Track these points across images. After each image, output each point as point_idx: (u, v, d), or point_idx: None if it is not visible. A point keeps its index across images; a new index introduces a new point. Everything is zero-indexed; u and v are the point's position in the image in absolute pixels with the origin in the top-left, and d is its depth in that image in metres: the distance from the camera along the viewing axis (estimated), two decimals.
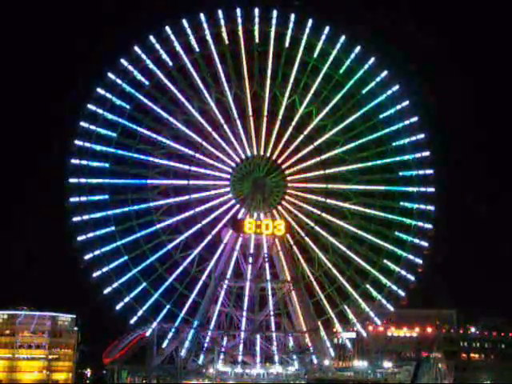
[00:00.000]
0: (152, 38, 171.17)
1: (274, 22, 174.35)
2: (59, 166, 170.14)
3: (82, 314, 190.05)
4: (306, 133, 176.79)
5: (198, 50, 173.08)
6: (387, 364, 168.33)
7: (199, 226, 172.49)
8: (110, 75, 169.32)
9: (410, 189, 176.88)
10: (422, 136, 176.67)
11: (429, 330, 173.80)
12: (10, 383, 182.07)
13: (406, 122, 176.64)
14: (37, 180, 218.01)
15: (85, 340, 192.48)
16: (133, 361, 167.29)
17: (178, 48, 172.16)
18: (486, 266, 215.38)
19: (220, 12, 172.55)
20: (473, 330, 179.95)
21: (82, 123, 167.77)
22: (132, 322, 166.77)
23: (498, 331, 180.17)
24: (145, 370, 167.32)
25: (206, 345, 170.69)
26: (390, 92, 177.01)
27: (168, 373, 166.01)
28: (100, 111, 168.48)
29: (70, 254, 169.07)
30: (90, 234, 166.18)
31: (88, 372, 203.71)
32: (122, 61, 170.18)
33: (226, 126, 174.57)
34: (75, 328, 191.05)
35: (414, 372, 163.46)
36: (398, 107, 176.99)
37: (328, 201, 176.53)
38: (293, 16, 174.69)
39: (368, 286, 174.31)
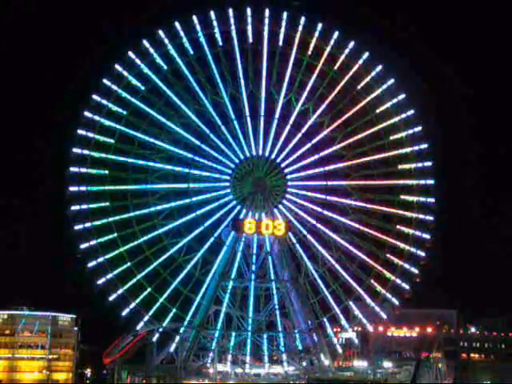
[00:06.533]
0: (145, 42, 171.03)
1: (266, 21, 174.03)
2: (59, 173, 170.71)
3: (82, 313, 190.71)
4: (303, 131, 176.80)
5: (192, 52, 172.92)
6: (387, 364, 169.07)
7: (201, 228, 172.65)
8: (106, 81, 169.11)
9: (410, 182, 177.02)
10: (419, 129, 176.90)
11: (429, 329, 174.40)
12: (10, 383, 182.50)
13: (403, 116, 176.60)
14: (37, 185, 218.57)
15: (85, 340, 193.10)
16: (133, 361, 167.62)
17: (172, 51, 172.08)
18: (486, 266, 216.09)
19: (212, 13, 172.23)
20: (473, 329, 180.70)
21: (80, 131, 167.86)
22: (138, 327, 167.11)
23: (498, 331, 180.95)
24: (145, 369, 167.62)
25: (207, 345, 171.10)
26: (385, 86, 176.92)
27: (168, 373, 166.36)
28: (97, 118, 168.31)
29: (71, 256, 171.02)
30: (93, 242, 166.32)
31: (88, 372, 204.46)
32: (117, 66, 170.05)
33: (223, 128, 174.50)
34: (75, 328, 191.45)
35: (414, 372, 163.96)
36: (395, 101, 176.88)
37: (328, 197, 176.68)
38: (285, 14, 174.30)
39: (372, 280, 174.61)
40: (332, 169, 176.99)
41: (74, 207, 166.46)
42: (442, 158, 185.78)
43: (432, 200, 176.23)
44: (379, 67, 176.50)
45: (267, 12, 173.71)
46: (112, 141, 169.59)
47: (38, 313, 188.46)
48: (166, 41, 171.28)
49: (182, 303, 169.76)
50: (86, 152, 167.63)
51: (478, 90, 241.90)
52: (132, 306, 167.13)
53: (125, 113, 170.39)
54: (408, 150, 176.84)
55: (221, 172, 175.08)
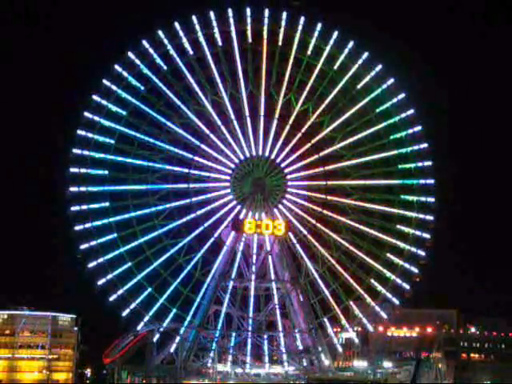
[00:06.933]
0: (145, 43, 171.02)
1: (266, 21, 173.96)
2: (59, 174, 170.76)
3: (82, 313, 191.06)
4: (303, 130, 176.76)
5: (191, 52, 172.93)
6: (387, 364, 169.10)
7: (201, 228, 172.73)
8: (106, 82, 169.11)
9: (410, 181, 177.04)
10: (419, 128, 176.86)
11: (429, 330, 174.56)
12: (10, 383, 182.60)
13: (403, 115, 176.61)
14: (37, 187, 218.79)
15: (85, 340, 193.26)
16: (133, 361, 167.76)
17: (172, 51, 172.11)
18: (486, 266, 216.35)
19: (212, 13, 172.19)
20: (473, 329, 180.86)
21: (80, 131, 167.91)
22: (139, 327, 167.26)
23: (498, 331, 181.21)
24: (145, 370, 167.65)
25: (207, 345, 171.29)
26: (385, 86, 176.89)
27: (168, 373, 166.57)
28: (97, 118, 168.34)
29: (71, 257, 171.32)
30: (93, 242, 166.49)
31: (88, 372, 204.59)
32: (116, 67, 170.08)
33: (223, 128, 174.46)
34: (75, 328, 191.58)
35: (414, 372, 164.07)
36: (394, 100, 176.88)
37: (329, 197, 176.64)
38: (285, 14, 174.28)
39: (372, 280, 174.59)
40: (332, 169, 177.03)
41: (74, 207, 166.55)
42: (441, 157, 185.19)
43: (432, 200, 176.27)
44: (379, 67, 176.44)
45: (267, 12, 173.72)
46: (112, 141, 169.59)
47: (38, 313, 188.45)
48: (166, 41, 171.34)
49: (182, 303, 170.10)
50: (85, 152, 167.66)
51: (479, 88, 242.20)
52: (132, 306, 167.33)
53: (124, 113, 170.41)
54: (408, 149, 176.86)
55: (221, 172, 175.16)
